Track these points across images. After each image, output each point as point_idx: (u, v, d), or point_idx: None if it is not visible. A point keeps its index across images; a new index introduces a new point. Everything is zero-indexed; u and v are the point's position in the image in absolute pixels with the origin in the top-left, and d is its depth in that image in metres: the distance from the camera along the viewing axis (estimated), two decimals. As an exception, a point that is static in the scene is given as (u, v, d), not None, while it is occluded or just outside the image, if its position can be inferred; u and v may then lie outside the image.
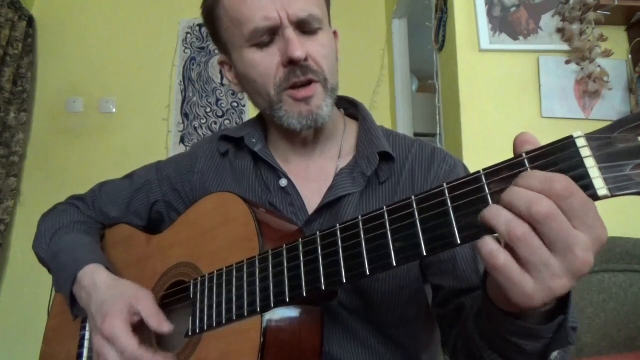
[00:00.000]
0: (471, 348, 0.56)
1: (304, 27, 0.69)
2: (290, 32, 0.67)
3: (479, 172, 0.42)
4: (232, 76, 0.79)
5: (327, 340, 0.68)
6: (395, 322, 0.72)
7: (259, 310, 0.56)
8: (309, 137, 0.78)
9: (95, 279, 0.72)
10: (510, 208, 0.38)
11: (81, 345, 0.78)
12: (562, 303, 0.46)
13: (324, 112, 0.70)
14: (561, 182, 0.37)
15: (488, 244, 0.39)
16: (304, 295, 0.53)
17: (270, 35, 0.68)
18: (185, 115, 2.74)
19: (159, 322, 0.64)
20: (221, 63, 0.80)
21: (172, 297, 0.71)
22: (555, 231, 0.36)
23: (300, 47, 0.66)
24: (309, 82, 0.69)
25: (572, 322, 0.51)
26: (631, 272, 1.52)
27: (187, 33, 2.84)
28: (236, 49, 0.72)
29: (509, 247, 0.39)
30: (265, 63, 0.69)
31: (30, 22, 2.66)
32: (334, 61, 0.74)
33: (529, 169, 0.39)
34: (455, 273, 0.68)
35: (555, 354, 0.49)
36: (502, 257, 0.39)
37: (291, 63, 0.67)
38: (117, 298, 0.66)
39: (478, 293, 0.64)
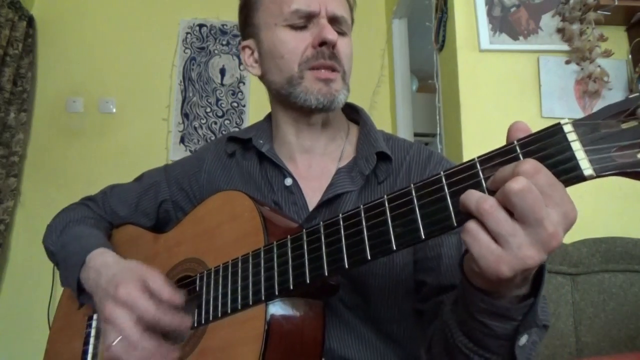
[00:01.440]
0: (446, 334, 0.57)
1: (335, 25, 0.76)
2: (325, 22, 0.74)
3: (473, 159, 0.44)
4: (252, 60, 0.83)
5: (328, 336, 0.69)
6: (392, 318, 0.73)
7: (263, 298, 0.57)
8: (317, 125, 0.80)
9: (106, 258, 0.73)
10: (492, 189, 0.42)
11: (86, 342, 0.78)
12: (535, 290, 0.48)
13: (340, 97, 0.75)
14: (528, 162, 0.40)
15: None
16: (308, 282, 0.54)
17: (306, 20, 0.75)
18: (185, 115, 2.74)
19: (171, 292, 0.63)
20: (243, 47, 0.84)
21: None
22: (527, 205, 0.39)
23: (334, 32, 0.73)
24: (332, 68, 0.74)
25: (543, 320, 0.53)
26: (631, 272, 1.52)
27: (187, 33, 2.84)
28: (269, 27, 0.77)
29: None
30: (296, 42, 0.75)
31: (30, 22, 2.66)
32: (351, 66, 0.80)
33: (520, 155, 0.42)
34: (439, 270, 0.70)
35: (524, 340, 0.49)
36: (473, 222, 0.42)
37: (322, 45, 0.73)
38: (128, 270, 0.66)
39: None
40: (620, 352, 1.45)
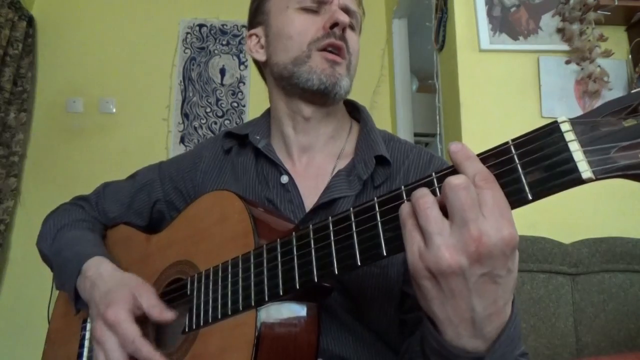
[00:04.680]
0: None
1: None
2: (337, 8, 0.74)
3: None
4: (258, 46, 0.82)
5: (325, 337, 0.68)
6: (388, 327, 0.72)
7: (253, 304, 0.56)
8: (314, 119, 0.78)
9: (100, 269, 0.72)
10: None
11: (81, 345, 0.78)
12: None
13: (343, 82, 0.74)
14: (485, 172, 0.40)
15: (405, 204, 0.43)
16: (297, 287, 0.53)
17: (318, 5, 0.75)
18: (185, 115, 2.74)
19: (160, 312, 0.64)
20: (250, 36, 0.84)
21: (170, 295, 0.71)
22: (458, 202, 0.38)
23: (346, 15, 0.74)
24: (340, 49, 0.74)
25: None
26: (631, 272, 1.51)
27: (187, 33, 2.84)
28: (281, 11, 0.77)
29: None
30: (306, 24, 0.75)
31: (30, 22, 2.66)
32: (357, 63, 0.80)
33: (515, 156, 0.40)
34: None
35: None
36: (407, 209, 0.42)
37: (333, 27, 0.73)
38: (121, 287, 0.67)
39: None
40: (620, 352, 1.45)
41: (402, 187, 0.46)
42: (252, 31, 0.83)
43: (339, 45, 0.73)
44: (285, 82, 0.77)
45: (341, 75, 0.74)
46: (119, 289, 0.66)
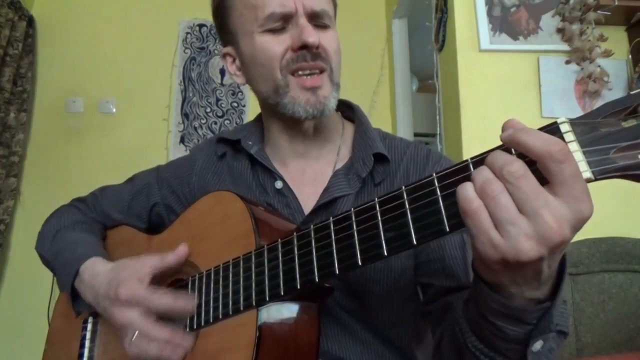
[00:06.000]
0: (456, 334, 0.55)
1: (317, 21, 0.71)
2: (304, 21, 0.69)
3: (466, 160, 0.42)
4: (235, 68, 0.80)
5: (326, 338, 0.68)
6: (391, 323, 0.72)
7: (254, 304, 0.57)
8: (309, 131, 0.77)
9: (95, 270, 0.72)
10: (490, 168, 0.39)
11: (82, 346, 0.78)
12: (553, 294, 0.45)
13: (330, 104, 0.72)
14: (557, 144, 0.36)
15: (466, 189, 0.40)
16: (298, 287, 0.53)
17: (283, 22, 0.70)
18: (185, 115, 2.74)
19: (175, 253, 0.66)
20: (224, 55, 0.80)
21: None
22: (523, 192, 0.37)
23: (314, 33, 0.68)
24: (316, 69, 0.70)
25: (560, 326, 0.49)
26: (631, 272, 1.52)
27: (187, 33, 2.84)
28: (247, 34, 0.73)
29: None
30: (275, 47, 0.70)
31: (30, 22, 2.66)
32: (340, 60, 0.75)
33: (515, 156, 0.39)
34: (445, 272, 0.68)
35: (538, 346, 0.46)
36: (476, 204, 0.39)
37: (302, 48, 0.69)
38: (122, 271, 0.67)
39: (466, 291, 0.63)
40: (620, 352, 1.45)
41: (403, 187, 0.46)
42: (226, 50, 0.80)
43: (313, 66, 0.70)
44: (273, 107, 0.75)
45: (326, 98, 0.71)
46: (120, 273, 0.67)
